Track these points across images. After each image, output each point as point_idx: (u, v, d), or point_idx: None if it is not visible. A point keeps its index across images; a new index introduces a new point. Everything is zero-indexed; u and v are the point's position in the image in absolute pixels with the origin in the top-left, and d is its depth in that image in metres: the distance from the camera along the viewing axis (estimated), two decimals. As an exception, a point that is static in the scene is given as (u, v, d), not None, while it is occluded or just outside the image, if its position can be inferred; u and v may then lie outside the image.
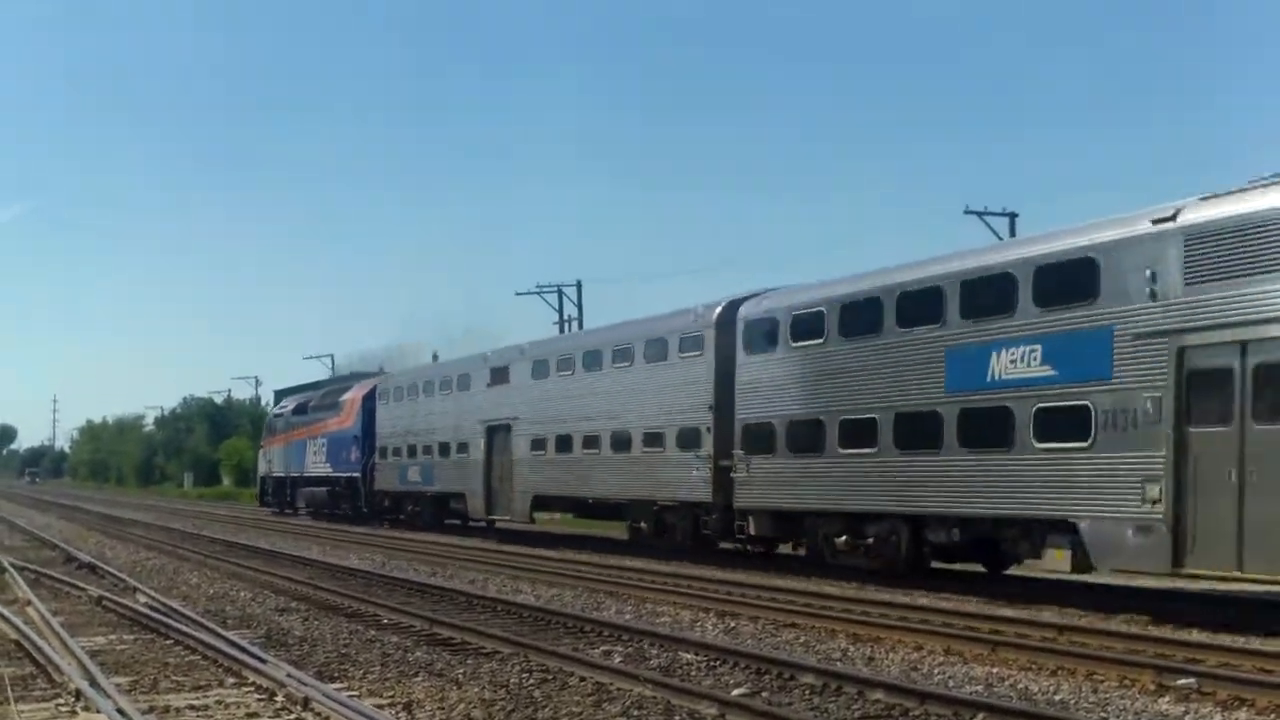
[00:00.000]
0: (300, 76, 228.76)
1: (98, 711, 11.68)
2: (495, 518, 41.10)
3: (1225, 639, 16.30)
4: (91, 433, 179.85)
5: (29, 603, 20.66)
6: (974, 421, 22.01)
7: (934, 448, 22.88)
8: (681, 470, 30.66)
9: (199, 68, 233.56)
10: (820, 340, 26.05)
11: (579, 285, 65.64)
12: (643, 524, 33.23)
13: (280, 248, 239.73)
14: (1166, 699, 12.91)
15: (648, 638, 16.80)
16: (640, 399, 32.50)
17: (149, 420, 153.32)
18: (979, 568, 24.90)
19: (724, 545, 30.42)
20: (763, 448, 27.55)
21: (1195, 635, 16.79)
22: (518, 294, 66.37)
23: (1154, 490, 18.35)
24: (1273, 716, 12.20)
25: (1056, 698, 13.06)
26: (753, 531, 28.46)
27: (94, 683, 12.93)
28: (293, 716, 11.91)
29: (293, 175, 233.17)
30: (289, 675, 13.31)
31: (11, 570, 26.05)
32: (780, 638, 17.47)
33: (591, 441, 34.76)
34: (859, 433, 24.67)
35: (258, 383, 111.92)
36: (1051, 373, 20.52)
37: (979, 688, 13.55)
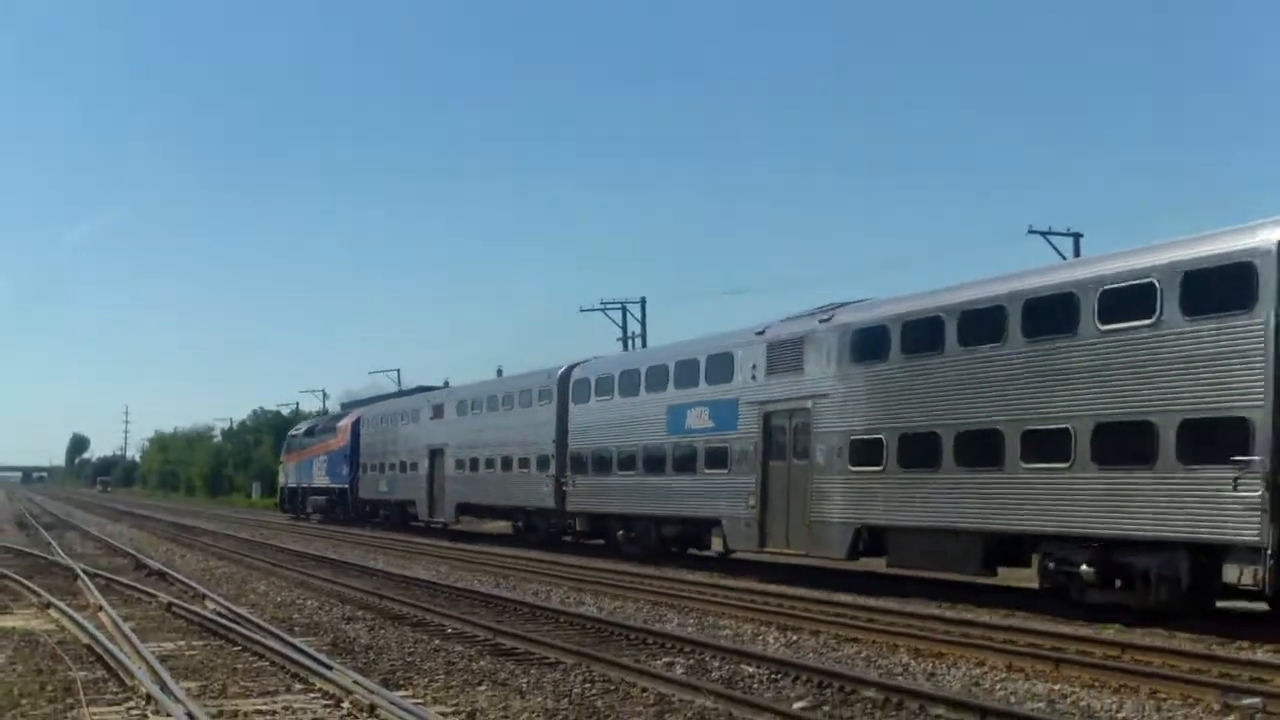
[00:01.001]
0: (384, 92, 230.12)
1: (168, 715, 11.89)
2: (433, 520, 51.81)
3: (1291, 659, 16.17)
4: (161, 443, 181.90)
5: (100, 608, 21.00)
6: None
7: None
8: (538, 485, 41.74)
9: (280, 84, 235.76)
10: (608, 397, 37.64)
11: (643, 302, 65.79)
12: (519, 523, 44.81)
13: (355, 264, 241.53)
14: (1231, 719, 12.84)
15: (710, 650, 16.86)
16: (516, 433, 43.66)
17: (218, 432, 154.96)
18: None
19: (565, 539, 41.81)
20: (582, 470, 38.67)
21: (1261, 654, 16.65)
22: (582, 310, 66.50)
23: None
24: (1338, 737, 12.12)
25: (1119, 715, 13.02)
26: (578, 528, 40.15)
27: (164, 687, 13.15)
28: (358, 723, 12.06)
29: (373, 195, 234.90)
30: (355, 682, 13.47)
31: (84, 576, 26.46)
32: (842, 652, 17.49)
33: (490, 463, 45.85)
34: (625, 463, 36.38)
35: (324, 396, 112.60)
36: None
37: (1041, 704, 13.52)
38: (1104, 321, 20.84)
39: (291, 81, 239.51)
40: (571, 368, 40.34)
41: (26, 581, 25.41)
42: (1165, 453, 19.58)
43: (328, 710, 12.69)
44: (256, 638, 17.18)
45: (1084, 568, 21.00)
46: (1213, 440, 18.95)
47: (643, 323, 65.13)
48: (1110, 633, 18.84)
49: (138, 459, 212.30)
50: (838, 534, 26.68)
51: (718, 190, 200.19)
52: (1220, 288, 19.19)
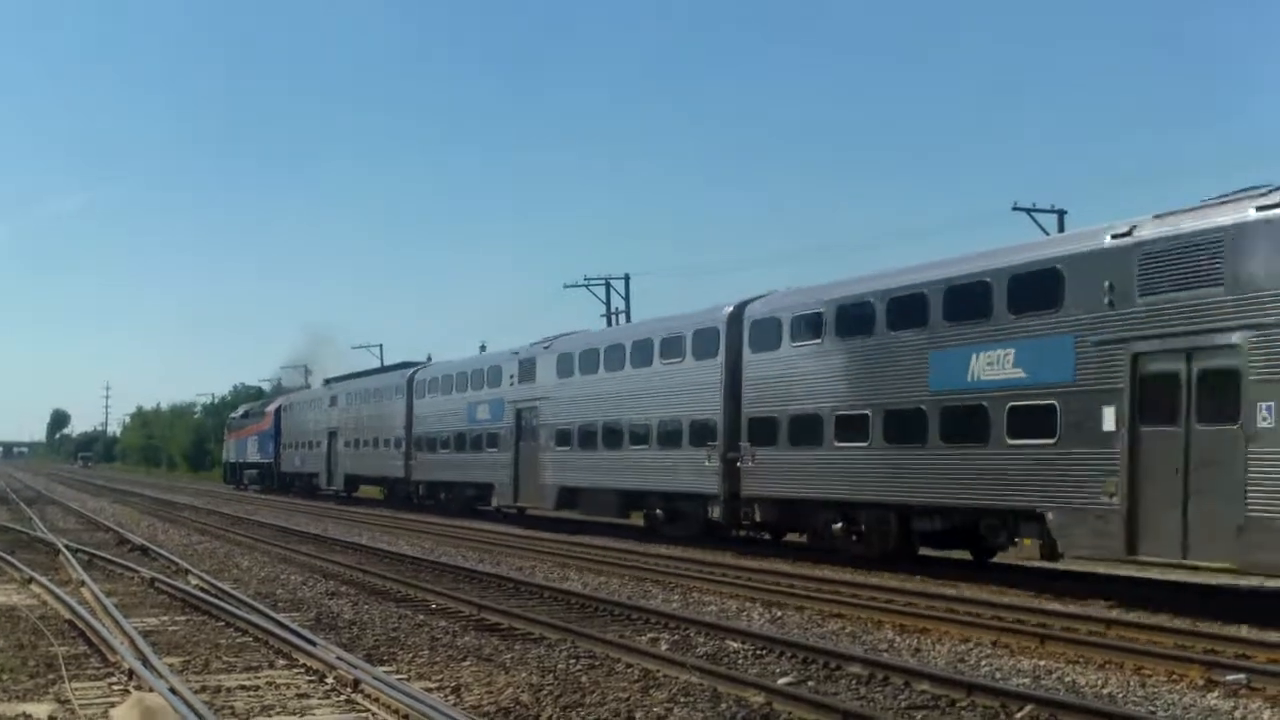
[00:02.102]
0: (366, 69, 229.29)
1: (151, 690, 11.81)
2: (330, 488, 63.22)
3: (1275, 635, 16.17)
4: (143, 419, 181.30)
5: (83, 583, 20.92)
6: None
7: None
8: (395, 459, 54.00)
9: (275, 52, 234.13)
10: (443, 393, 49.83)
11: (627, 278, 65.64)
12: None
13: (337, 241, 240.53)
14: (1215, 694, 12.84)
15: (694, 626, 16.85)
16: (382, 420, 56.00)
17: (199, 408, 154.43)
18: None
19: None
20: (421, 448, 51.44)
21: (1245, 631, 16.68)
22: (566, 286, 66.34)
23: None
24: (1323, 713, 12.12)
25: (1104, 691, 13.01)
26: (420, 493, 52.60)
27: (146, 662, 13.09)
28: (342, 698, 12.01)
29: (357, 170, 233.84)
30: (339, 658, 13.43)
31: (66, 552, 26.36)
32: (826, 628, 17.49)
33: (367, 442, 57.95)
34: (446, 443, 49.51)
35: (307, 371, 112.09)
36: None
37: (1026, 680, 13.52)
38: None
39: (288, 50, 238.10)
40: (415, 371, 54.24)
41: (8, 557, 25.28)
42: None
43: (311, 685, 12.63)
44: (239, 613, 17.12)
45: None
46: None
47: (626, 299, 65.06)
48: (1096, 609, 18.86)
49: (119, 434, 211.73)
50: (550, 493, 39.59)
51: (708, 166, 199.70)
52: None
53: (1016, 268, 22.31)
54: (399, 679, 12.66)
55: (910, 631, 17.07)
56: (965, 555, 26.17)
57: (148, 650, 13.85)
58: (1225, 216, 18.65)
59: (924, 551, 26.20)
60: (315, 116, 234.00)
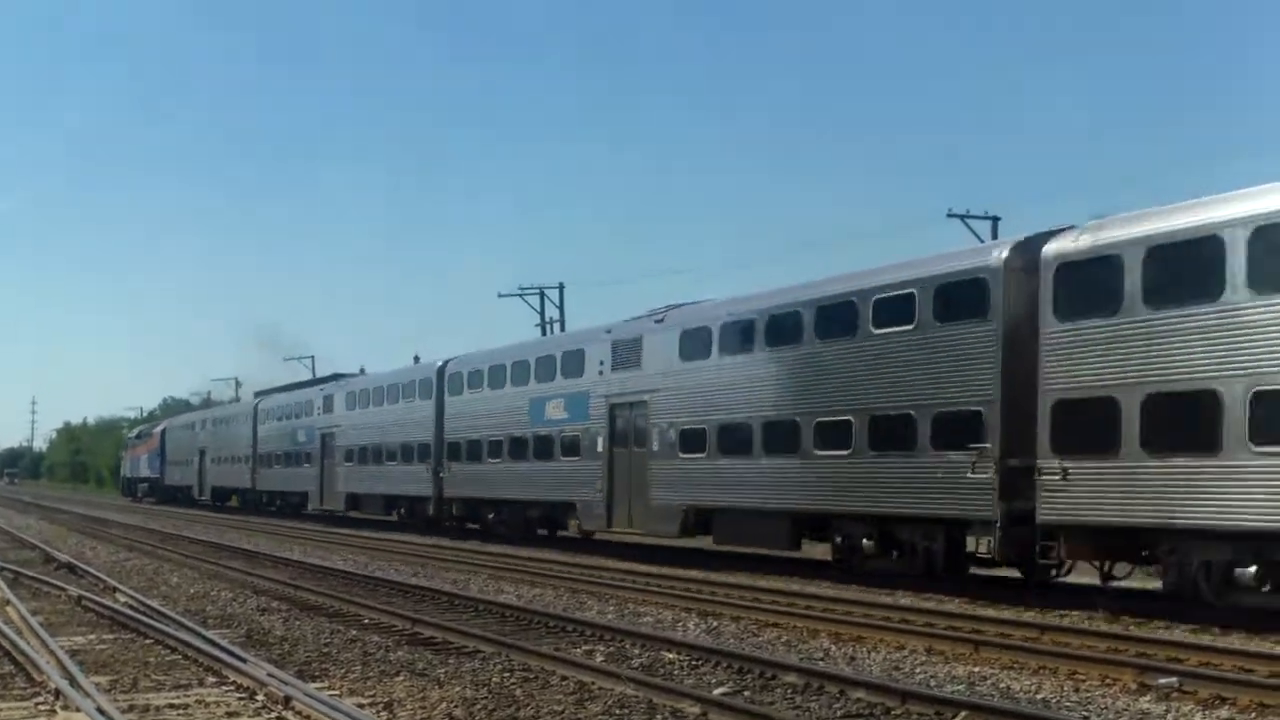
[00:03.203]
0: (293, 57, 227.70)
1: (77, 710, 11.62)
2: (200, 498, 73.77)
3: (1206, 638, 16.36)
4: (70, 434, 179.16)
5: (7, 602, 20.55)
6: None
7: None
8: (243, 469, 61.80)
9: (186, 61, 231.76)
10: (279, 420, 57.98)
11: (561, 287, 65.60)
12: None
13: (263, 248, 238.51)
14: (1148, 698, 12.92)
15: (630, 637, 16.78)
16: (241, 440, 65.55)
17: (127, 422, 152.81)
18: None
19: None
20: (267, 464, 59.97)
21: (1177, 634, 16.84)
22: (500, 295, 66.21)
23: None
24: (1253, 715, 12.22)
25: (1039, 696, 13.07)
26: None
27: (73, 682, 12.87)
28: (273, 716, 11.85)
29: (291, 179, 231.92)
30: (270, 674, 13.25)
31: (-10, 570, 25.94)
32: (762, 637, 17.47)
33: (235, 459, 67.18)
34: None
35: (237, 384, 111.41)
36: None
37: (961, 687, 13.55)
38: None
39: (206, 57, 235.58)
40: (258, 399, 63.99)
41: (-69, 576, 24.84)
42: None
43: (242, 703, 12.46)
44: (169, 630, 16.89)
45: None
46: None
47: (560, 308, 64.97)
48: (1030, 615, 18.97)
49: (45, 450, 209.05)
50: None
51: (643, 175, 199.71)
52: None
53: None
54: (331, 695, 12.50)
55: (845, 640, 17.08)
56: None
57: (75, 669, 13.61)
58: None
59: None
60: (240, 121, 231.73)
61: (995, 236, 44.86)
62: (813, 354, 25.66)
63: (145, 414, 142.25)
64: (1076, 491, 19.75)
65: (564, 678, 13.80)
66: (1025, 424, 20.67)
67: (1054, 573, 21.83)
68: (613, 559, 29.95)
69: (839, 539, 24.99)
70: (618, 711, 12.01)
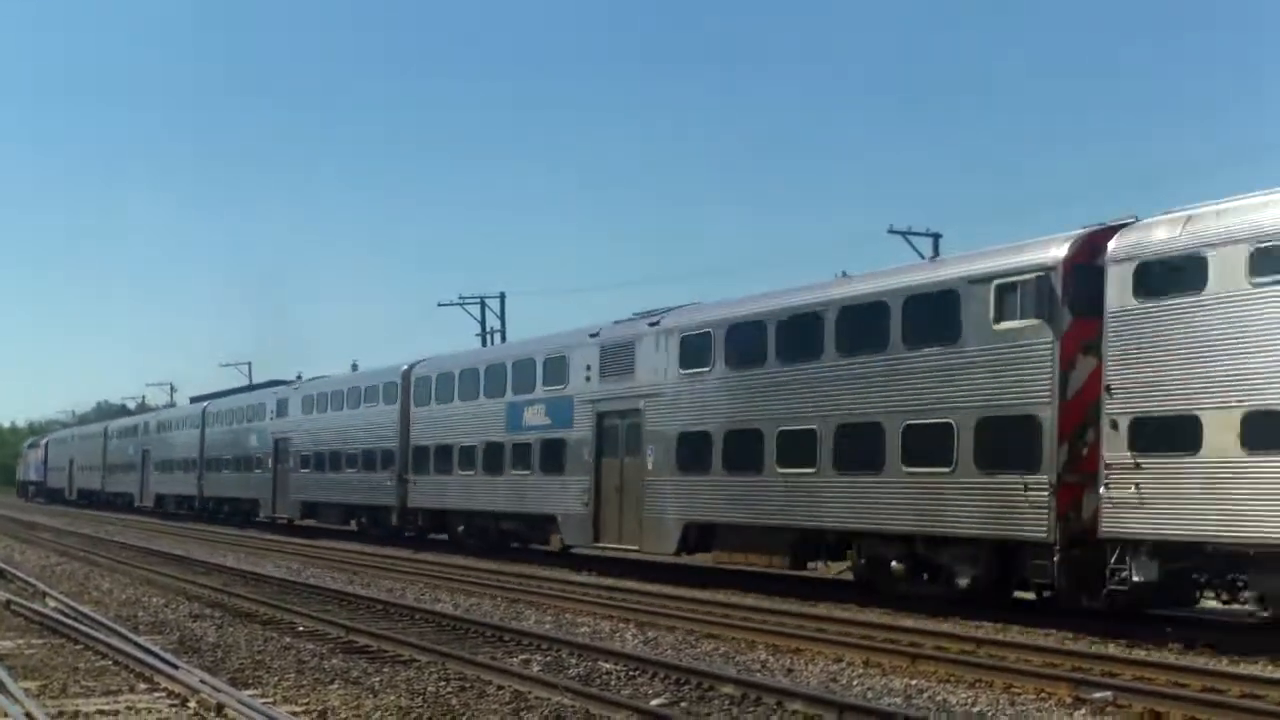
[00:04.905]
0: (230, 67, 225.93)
1: (5, 716, 11.44)
2: (69, 497, 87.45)
3: (1140, 653, 16.48)
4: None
5: (-66, 606, 20.25)
6: None
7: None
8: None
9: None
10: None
11: (502, 297, 65.36)
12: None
13: (199, 254, 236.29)
14: (1082, 712, 13.00)
15: (567, 647, 16.71)
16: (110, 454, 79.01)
17: (59, 426, 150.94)
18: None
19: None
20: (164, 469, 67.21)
21: (1111, 649, 16.95)
22: (440, 305, 65.96)
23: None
24: (1187, 729, 12.31)
25: (975, 709, 13.11)
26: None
27: (2, 687, 12.68)
28: (205, 723, 11.72)
29: (228, 181, 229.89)
30: (202, 681, 13.11)
31: (-84, 574, 25.53)
32: (700, 648, 17.44)
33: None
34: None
35: (172, 389, 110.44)
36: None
37: (898, 699, 13.57)
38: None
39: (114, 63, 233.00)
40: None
41: None
42: None
43: (173, 710, 12.31)
44: (99, 636, 16.67)
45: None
46: None
47: (502, 318, 64.77)
48: (967, 628, 19.04)
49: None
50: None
51: (585, 187, 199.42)
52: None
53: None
54: (264, 703, 12.36)
55: (783, 651, 17.08)
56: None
57: (3, 675, 13.43)
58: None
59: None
60: (188, 129, 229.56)
61: (937, 253, 45.13)
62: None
63: (77, 417, 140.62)
64: None
65: (500, 687, 13.71)
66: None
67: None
68: (549, 569, 29.82)
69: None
70: (554, 721, 11.95)
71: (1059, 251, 19.82)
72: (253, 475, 53.46)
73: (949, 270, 22.07)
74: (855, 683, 14.68)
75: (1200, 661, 15.96)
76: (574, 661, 15.76)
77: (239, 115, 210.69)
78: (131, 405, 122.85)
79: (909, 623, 19.38)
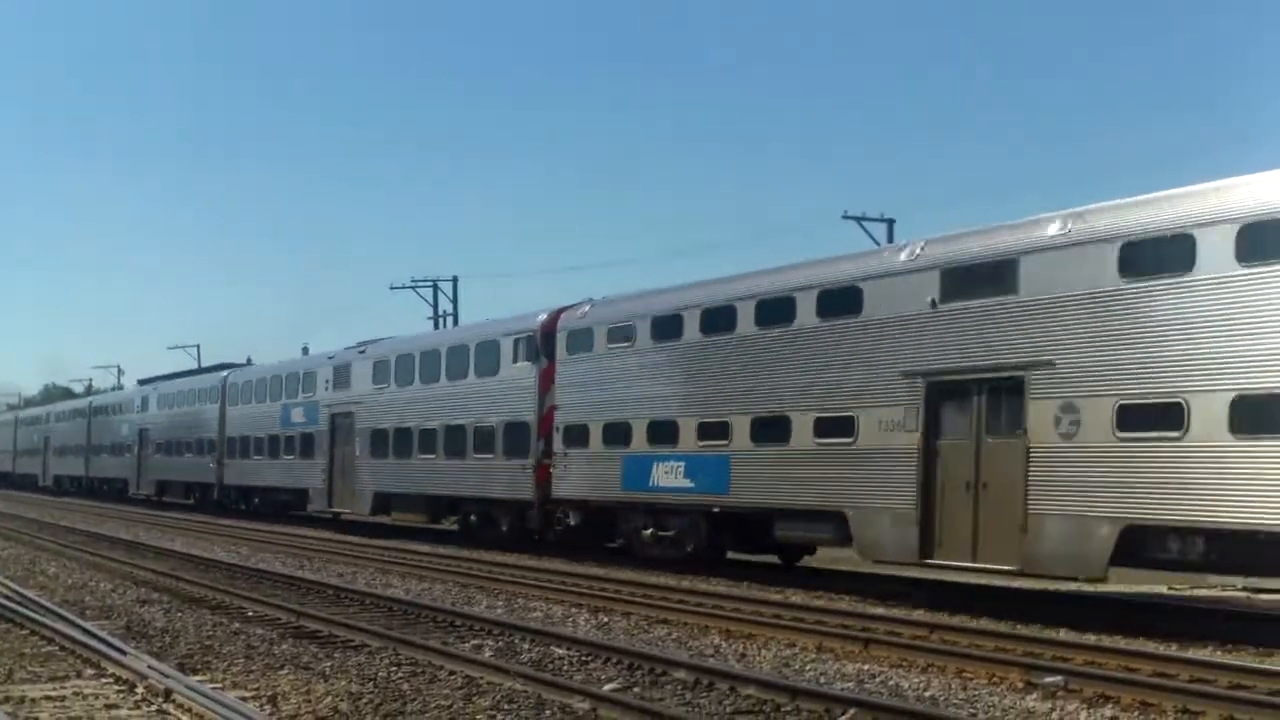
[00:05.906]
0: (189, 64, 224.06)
1: (-53, 702, 11.27)
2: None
3: (1091, 638, 16.53)
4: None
5: (-123, 591, 19.97)
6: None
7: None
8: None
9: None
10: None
11: (455, 281, 65.25)
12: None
13: (148, 235, 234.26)
14: (1034, 696, 13.02)
15: (519, 632, 16.63)
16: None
17: (4, 407, 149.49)
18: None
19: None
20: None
21: (1063, 634, 17.00)
22: (392, 288, 65.81)
23: None
24: (1136, 713, 12.36)
25: (927, 694, 13.13)
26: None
27: (-56, 673, 12.50)
28: (153, 708, 11.58)
29: (160, 157, 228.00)
30: (150, 667, 12.98)
31: None
32: (653, 634, 17.40)
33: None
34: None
35: (120, 372, 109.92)
36: None
37: (850, 684, 13.57)
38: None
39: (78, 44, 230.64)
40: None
41: None
42: None
43: (121, 696, 12.17)
44: (45, 621, 16.47)
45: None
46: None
47: (454, 301, 64.61)
48: (919, 614, 19.09)
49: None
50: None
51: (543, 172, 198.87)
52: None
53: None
54: (213, 688, 12.24)
55: (736, 637, 17.07)
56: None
57: (-55, 660, 13.24)
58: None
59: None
60: (131, 111, 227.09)
61: (891, 238, 45.31)
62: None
63: (23, 400, 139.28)
64: None
65: (452, 672, 13.63)
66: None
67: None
68: (504, 554, 29.74)
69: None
70: (506, 706, 11.88)
71: (539, 321, 30.97)
72: (123, 459, 65.45)
73: (493, 329, 33.65)
74: (808, 668, 14.68)
75: (1151, 646, 16.04)
76: (526, 647, 15.69)
77: (219, 98, 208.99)
78: (78, 389, 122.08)
79: (861, 608, 19.39)
